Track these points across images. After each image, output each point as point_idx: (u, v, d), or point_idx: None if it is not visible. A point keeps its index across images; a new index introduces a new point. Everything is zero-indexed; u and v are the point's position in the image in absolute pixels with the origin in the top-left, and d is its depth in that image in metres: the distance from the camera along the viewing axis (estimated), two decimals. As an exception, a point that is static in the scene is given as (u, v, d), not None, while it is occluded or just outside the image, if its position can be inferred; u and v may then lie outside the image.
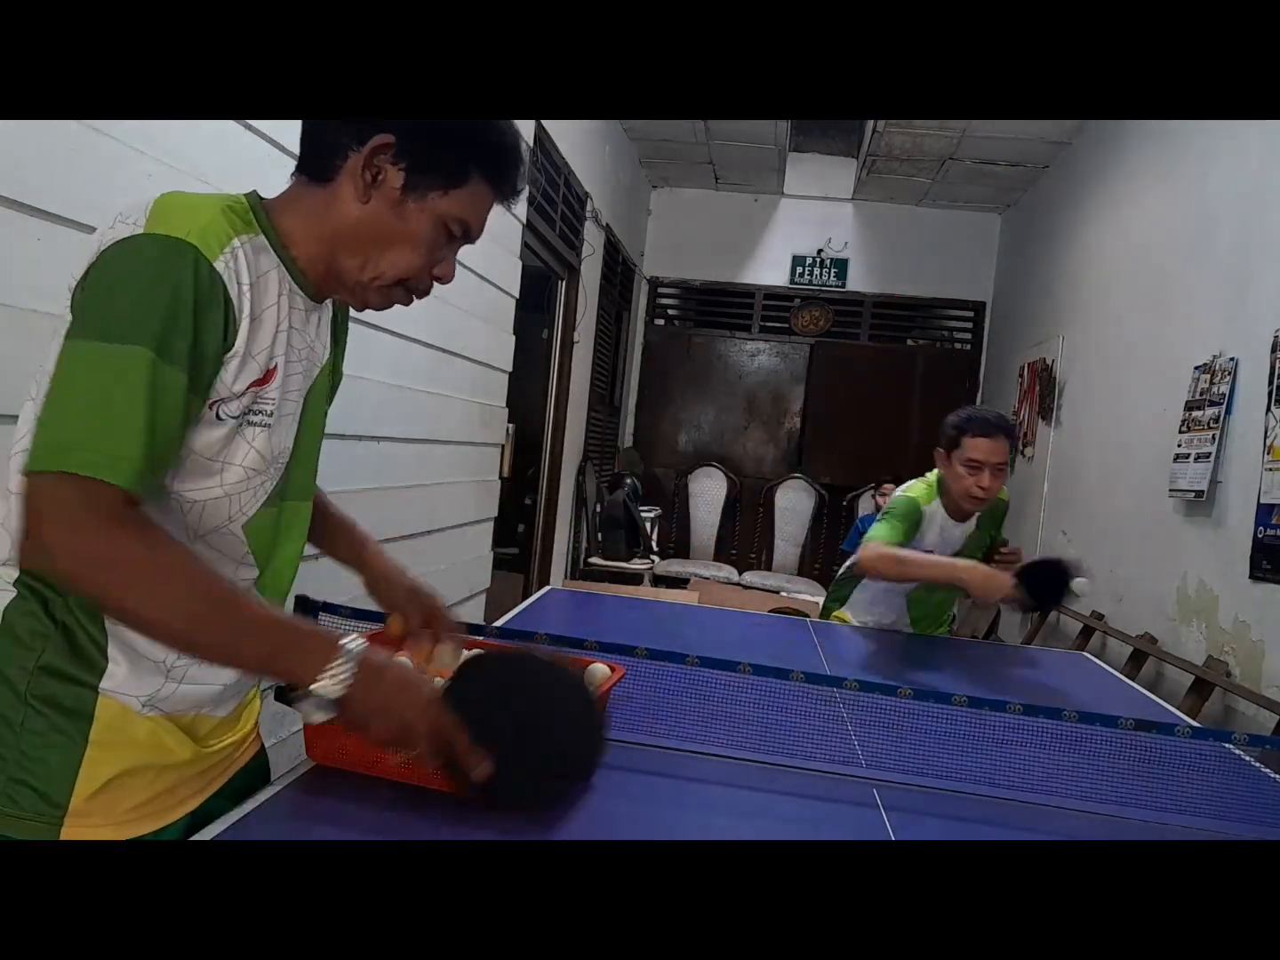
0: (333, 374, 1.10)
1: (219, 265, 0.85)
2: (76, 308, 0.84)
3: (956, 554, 2.43)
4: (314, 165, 0.95)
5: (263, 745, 1.15)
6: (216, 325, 0.85)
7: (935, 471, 2.47)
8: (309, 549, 1.13)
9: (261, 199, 0.96)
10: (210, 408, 0.88)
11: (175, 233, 0.83)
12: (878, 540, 2.34)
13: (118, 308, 0.81)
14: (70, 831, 0.89)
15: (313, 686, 0.85)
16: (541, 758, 0.98)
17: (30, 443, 0.81)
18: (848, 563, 2.72)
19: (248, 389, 0.91)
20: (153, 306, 0.81)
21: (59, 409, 0.80)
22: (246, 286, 0.88)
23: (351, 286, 0.98)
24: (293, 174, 0.98)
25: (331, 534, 1.25)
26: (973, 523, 2.46)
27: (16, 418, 0.92)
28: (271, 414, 0.94)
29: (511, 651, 1.04)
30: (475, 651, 1.11)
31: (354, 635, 0.91)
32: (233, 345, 0.88)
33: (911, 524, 2.38)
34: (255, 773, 1.12)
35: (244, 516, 0.96)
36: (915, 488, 2.46)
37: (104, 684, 0.90)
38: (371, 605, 1.30)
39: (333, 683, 0.85)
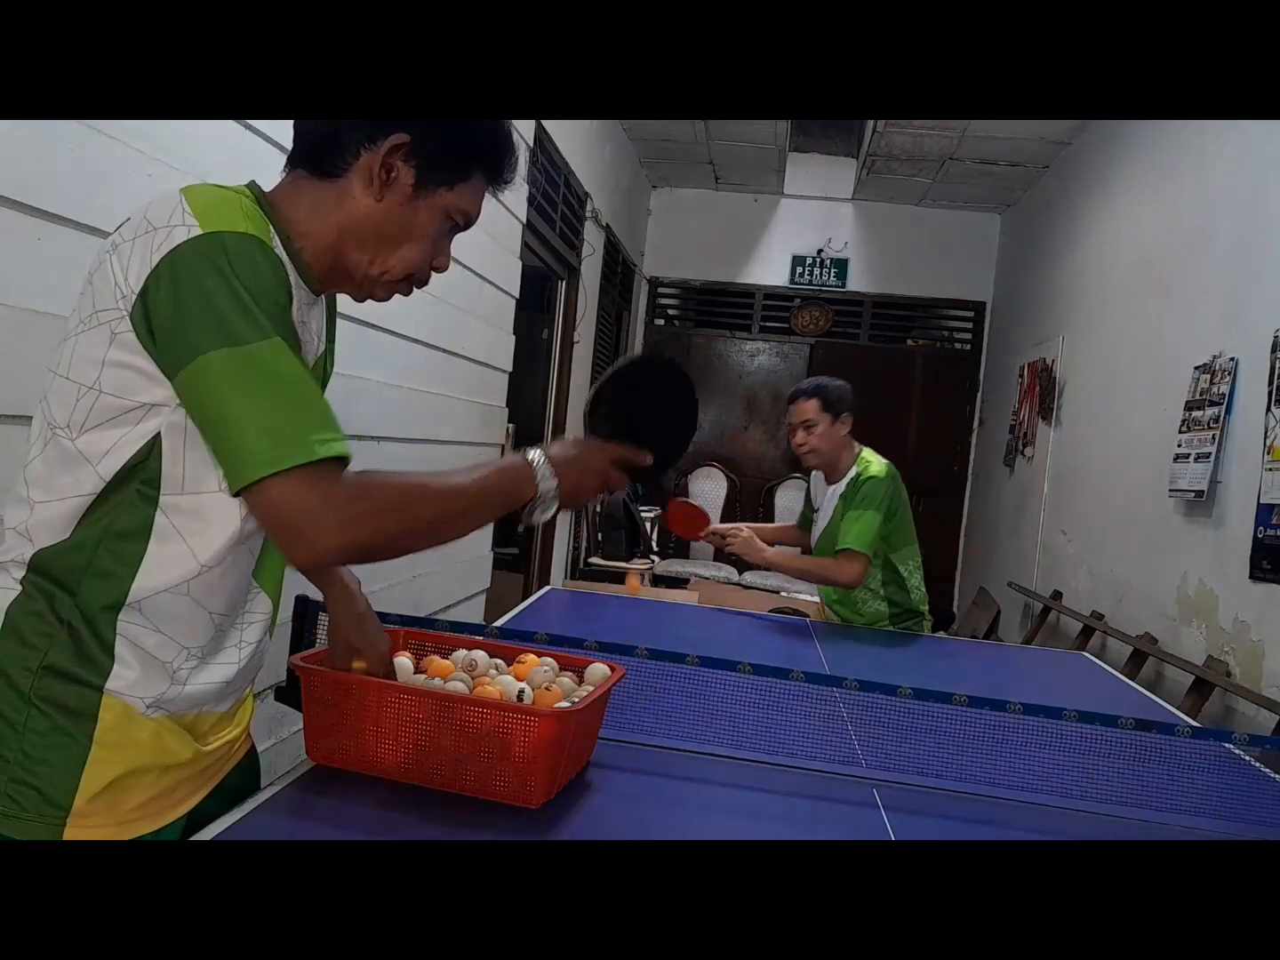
0: (324, 371, 1.11)
1: (276, 250, 0.89)
2: (168, 323, 0.83)
3: (829, 520, 2.71)
4: (320, 161, 0.96)
5: (254, 746, 1.15)
6: (291, 306, 0.90)
7: None
8: None
9: (263, 190, 0.97)
10: None
11: (237, 227, 0.85)
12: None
13: (226, 310, 0.82)
14: (72, 832, 0.88)
15: (539, 493, 1.02)
16: (673, 437, 1.23)
17: (224, 467, 0.85)
18: None
19: None
20: (258, 301, 0.84)
21: (238, 422, 0.82)
22: (289, 270, 0.91)
23: (359, 280, 1.00)
24: (287, 167, 0.99)
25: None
26: (838, 491, 2.69)
27: (16, 417, 0.92)
28: None
29: (616, 370, 1.21)
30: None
31: (526, 449, 1.05)
32: None
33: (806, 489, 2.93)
34: (247, 772, 1.12)
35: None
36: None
37: (109, 684, 0.90)
38: (371, 605, 1.29)
39: (546, 484, 1.02)
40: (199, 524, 0.90)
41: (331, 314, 1.14)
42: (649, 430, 1.17)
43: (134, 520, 0.89)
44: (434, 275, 1.05)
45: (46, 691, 0.88)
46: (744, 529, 2.71)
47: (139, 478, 0.88)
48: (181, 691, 0.95)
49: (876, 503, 2.55)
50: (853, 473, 2.65)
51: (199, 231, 0.83)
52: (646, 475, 1.17)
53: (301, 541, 0.86)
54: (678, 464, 1.28)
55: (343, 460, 0.86)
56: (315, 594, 1.56)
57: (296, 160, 0.98)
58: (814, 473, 2.83)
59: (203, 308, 0.82)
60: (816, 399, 2.67)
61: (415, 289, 1.04)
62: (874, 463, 2.65)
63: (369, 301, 1.05)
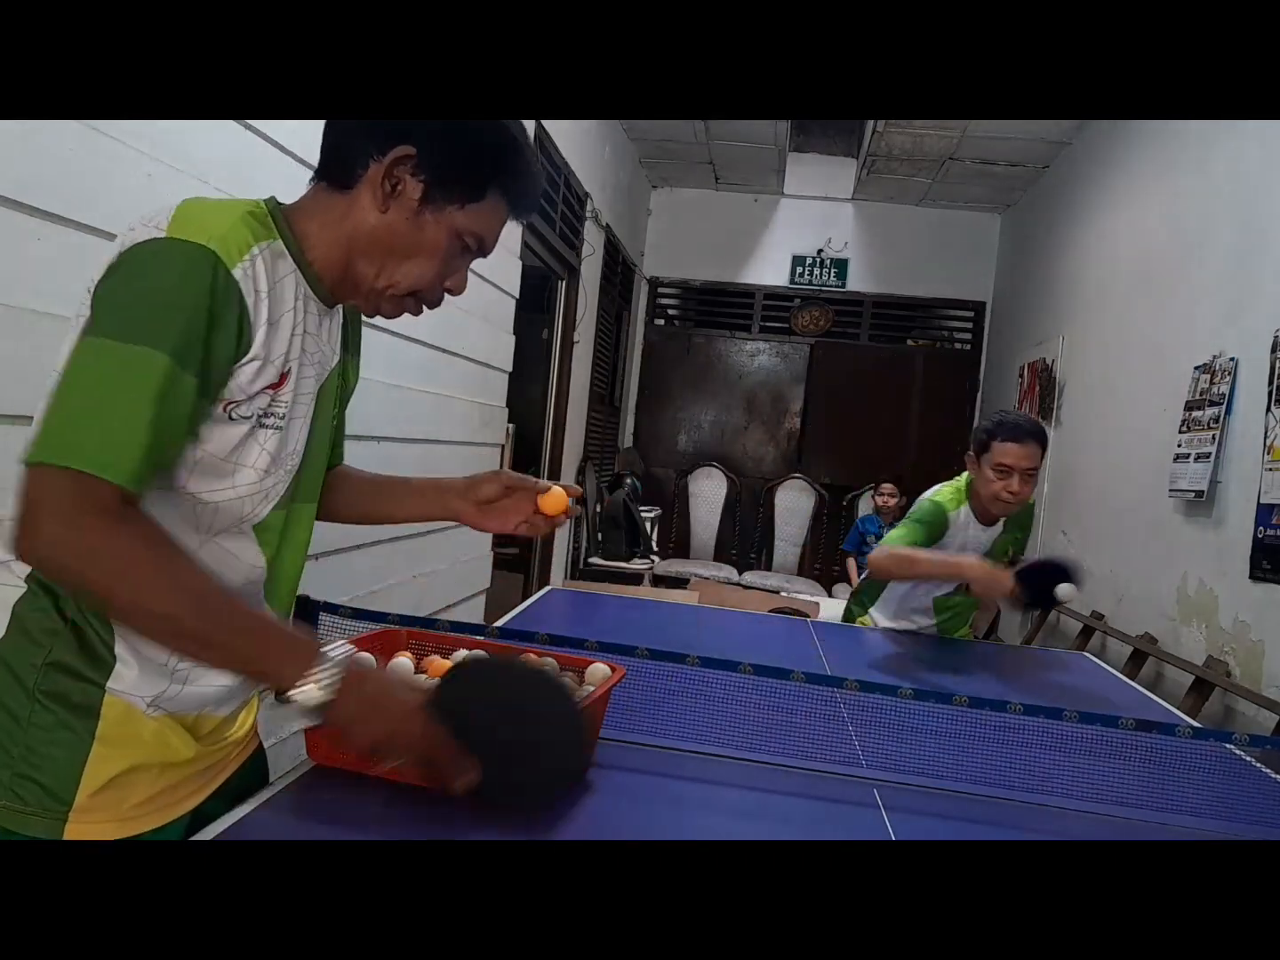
0: (343, 379, 1.11)
1: (237, 272, 0.86)
2: (95, 305, 0.84)
3: (990, 550, 2.43)
4: (335, 172, 0.96)
5: (261, 744, 1.16)
6: (230, 332, 0.86)
7: (965, 475, 2.45)
8: (312, 550, 1.13)
9: (280, 205, 0.97)
10: (224, 409, 0.89)
11: (196, 238, 0.84)
12: (892, 542, 2.33)
13: (136, 309, 0.82)
14: (74, 827, 0.89)
15: (292, 693, 0.86)
16: (527, 764, 0.98)
17: (33, 433, 0.82)
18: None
19: (261, 391, 0.91)
20: (171, 311, 0.82)
21: (65, 403, 0.81)
22: (265, 293, 0.89)
23: (366, 293, 0.99)
24: (312, 179, 0.99)
25: (374, 493, 1.24)
26: (999, 526, 2.44)
27: (17, 417, 0.92)
28: (284, 416, 0.95)
29: (496, 658, 1.03)
30: (459, 657, 1.10)
31: (340, 642, 0.91)
32: (247, 351, 0.89)
33: (934, 530, 2.37)
34: (253, 772, 1.12)
35: (256, 518, 0.97)
36: (943, 492, 2.44)
37: (111, 683, 0.91)
38: (371, 605, 1.30)
39: (316, 689, 0.86)
40: (169, 521, 0.89)
41: (355, 325, 1.14)
42: (493, 750, 0.95)
43: None
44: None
45: (51, 687, 0.89)
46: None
47: None
48: (181, 691, 0.95)
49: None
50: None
51: (160, 236, 0.84)
52: (450, 790, 0.95)
53: (24, 534, 0.80)
54: (537, 799, 1.03)
55: (123, 492, 0.80)
56: (315, 594, 1.56)
57: (318, 172, 0.98)
58: (955, 515, 2.41)
59: (118, 299, 0.83)
60: (1042, 446, 2.32)
61: (427, 308, 1.03)
62: None
63: (389, 319, 1.04)
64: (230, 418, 0.90)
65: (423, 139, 0.92)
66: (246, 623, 0.88)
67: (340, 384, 1.10)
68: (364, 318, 1.13)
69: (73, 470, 0.78)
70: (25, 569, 0.91)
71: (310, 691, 0.86)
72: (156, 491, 0.89)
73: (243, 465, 0.93)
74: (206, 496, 0.92)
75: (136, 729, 0.92)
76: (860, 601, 2.72)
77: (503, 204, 0.99)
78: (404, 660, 1.26)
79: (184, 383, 0.83)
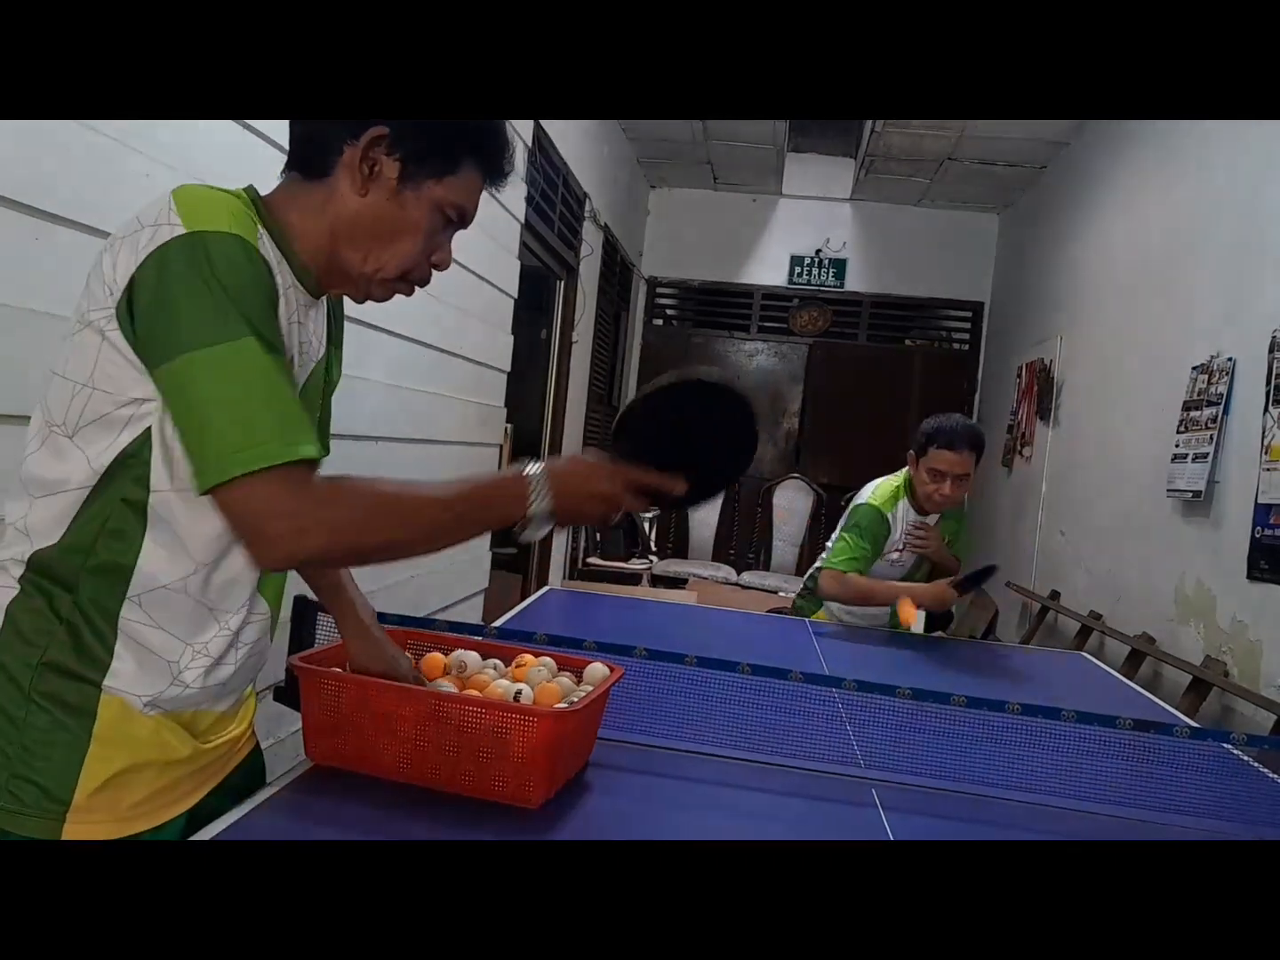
0: (328, 373, 1.10)
1: (263, 252, 0.88)
2: (148, 321, 0.84)
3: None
4: (308, 161, 0.96)
5: (258, 744, 1.15)
6: (276, 305, 0.90)
7: (906, 469, 2.62)
8: None
9: (259, 194, 0.97)
10: None
11: (220, 227, 0.85)
12: (836, 568, 2.50)
13: (205, 309, 0.83)
14: (72, 827, 0.89)
15: (530, 513, 0.96)
16: (714, 459, 1.11)
17: (197, 464, 0.84)
18: (811, 569, 2.87)
19: None
20: (239, 301, 0.84)
21: (210, 421, 0.83)
22: (277, 271, 0.91)
23: (356, 279, 1.00)
24: (284, 170, 0.99)
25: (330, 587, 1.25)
26: (934, 517, 2.62)
27: (16, 417, 0.92)
28: None
29: (654, 390, 1.09)
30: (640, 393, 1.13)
31: (527, 462, 0.99)
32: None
33: (878, 538, 2.54)
34: (251, 771, 1.12)
35: None
36: (880, 491, 2.61)
37: (107, 681, 0.90)
38: (370, 605, 1.29)
39: (540, 502, 0.96)
40: (193, 521, 0.90)
41: (338, 317, 1.13)
42: (681, 457, 1.05)
43: (128, 518, 0.89)
44: (434, 275, 1.04)
45: (46, 687, 0.89)
46: (929, 524, 2.58)
47: (131, 475, 0.88)
48: (181, 692, 0.95)
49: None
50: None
51: (183, 230, 0.84)
52: (676, 504, 1.09)
53: (265, 543, 0.85)
54: (718, 494, 1.15)
55: (312, 463, 0.86)
56: (314, 595, 1.56)
57: (290, 163, 0.98)
58: (895, 512, 2.59)
59: (182, 306, 0.83)
60: (977, 452, 2.47)
61: (417, 288, 1.03)
62: None
63: (369, 302, 1.05)
64: None
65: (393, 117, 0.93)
66: (470, 496, 0.96)
67: (325, 377, 1.09)
68: (344, 310, 1.13)
69: (266, 471, 0.82)
70: (19, 569, 0.90)
71: (539, 506, 0.96)
72: (176, 494, 0.89)
73: None
74: None
75: (133, 728, 0.92)
76: (813, 600, 2.79)
77: (477, 172, 1.00)
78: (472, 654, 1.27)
79: (278, 355, 0.87)
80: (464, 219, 1.02)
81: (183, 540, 0.91)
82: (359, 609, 1.24)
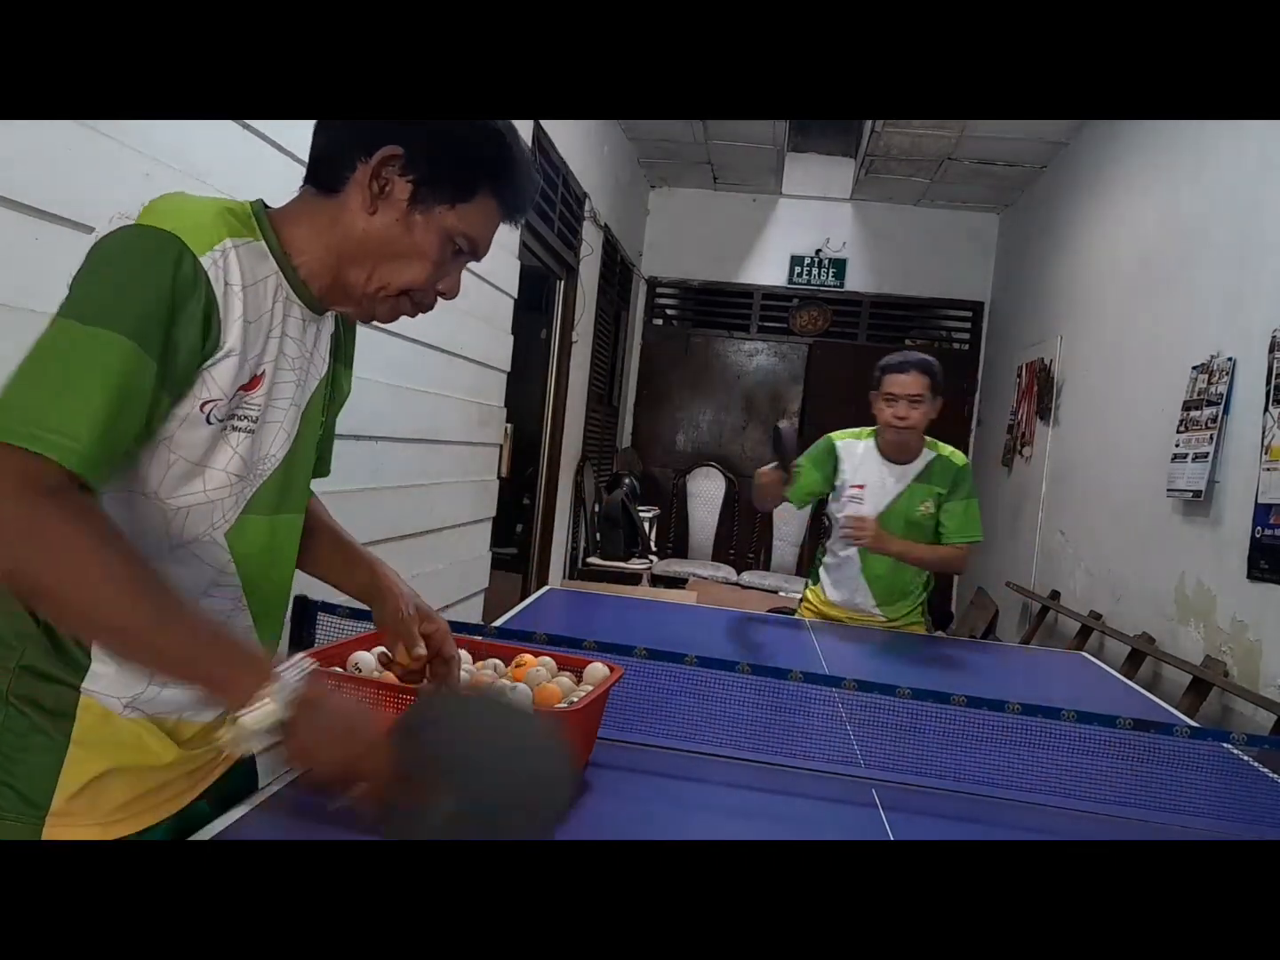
0: (331, 390, 1.09)
1: (205, 261, 0.85)
2: (68, 291, 0.84)
3: (893, 503, 2.58)
4: (322, 176, 0.95)
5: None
6: (195, 318, 0.84)
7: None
8: None
9: (266, 207, 0.96)
10: (201, 409, 0.88)
11: (163, 225, 0.84)
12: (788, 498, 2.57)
13: (99, 293, 0.82)
14: (51, 832, 0.88)
15: (241, 714, 0.79)
16: (506, 794, 0.88)
17: None
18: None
19: (235, 393, 0.90)
20: (132, 295, 0.81)
21: (21, 381, 0.78)
22: (238, 287, 0.88)
23: (358, 298, 0.98)
24: (302, 184, 0.98)
25: (332, 556, 1.21)
26: (912, 472, 2.58)
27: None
28: (256, 420, 0.94)
29: (467, 695, 0.96)
30: (429, 690, 1.00)
31: (300, 656, 0.84)
32: (219, 344, 0.87)
33: (818, 458, 2.65)
34: (243, 775, 1.11)
35: (226, 524, 0.95)
36: (845, 430, 2.72)
37: (86, 684, 0.89)
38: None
39: (271, 707, 0.79)
40: (135, 524, 0.88)
41: (350, 335, 1.12)
42: (450, 783, 0.86)
43: None
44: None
45: (23, 691, 0.88)
46: (869, 519, 2.50)
47: None
48: (159, 694, 0.93)
49: (972, 489, 2.60)
50: (929, 455, 2.59)
51: (130, 224, 0.84)
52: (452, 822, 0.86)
53: None
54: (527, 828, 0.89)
55: (75, 478, 0.77)
56: (314, 594, 1.56)
57: (307, 177, 0.98)
58: (850, 444, 2.64)
59: (84, 282, 0.83)
60: (928, 377, 2.52)
61: (420, 312, 1.01)
62: (953, 449, 2.64)
63: (385, 323, 1.03)
64: (208, 420, 0.89)
65: (409, 138, 0.91)
66: (198, 630, 0.81)
67: (329, 395, 1.08)
68: (355, 329, 1.12)
69: (17, 448, 0.75)
70: None
71: (265, 710, 0.79)
72: (128, 495, 0.88)
73: (213, 468, 0.91)
74: (176, 502, 0.90)
75: (113, 731, 0.91)
76: (810, 578, 2.84)
77: (493, 204, 0.97)
78: (364, 655, 1.25)
79: (145, 366, 0.80)
80: (475, 251, 0.99)
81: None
82: (374, 563, 1.19)
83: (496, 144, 0.96)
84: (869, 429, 2.68)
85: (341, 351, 1.10)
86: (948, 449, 2.64)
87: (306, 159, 0.98)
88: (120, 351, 0.79)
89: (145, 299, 0.81)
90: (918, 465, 2.60)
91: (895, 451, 2.59)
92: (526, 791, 0.88)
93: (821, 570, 2.76)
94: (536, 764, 0.89)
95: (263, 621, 1.03)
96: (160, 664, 0.83)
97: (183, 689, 0.92)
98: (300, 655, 0.85)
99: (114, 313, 0.80)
